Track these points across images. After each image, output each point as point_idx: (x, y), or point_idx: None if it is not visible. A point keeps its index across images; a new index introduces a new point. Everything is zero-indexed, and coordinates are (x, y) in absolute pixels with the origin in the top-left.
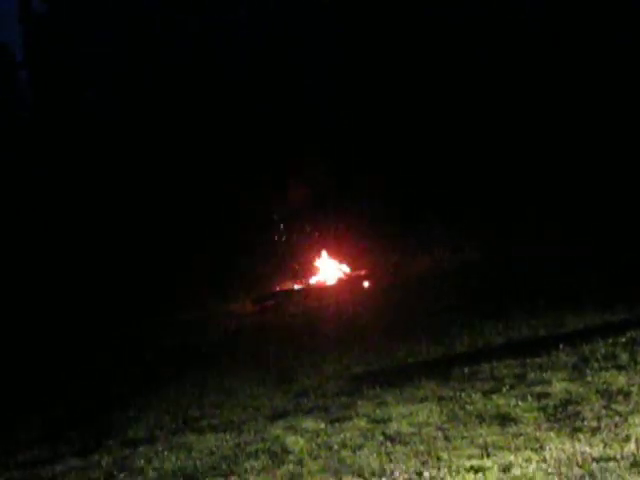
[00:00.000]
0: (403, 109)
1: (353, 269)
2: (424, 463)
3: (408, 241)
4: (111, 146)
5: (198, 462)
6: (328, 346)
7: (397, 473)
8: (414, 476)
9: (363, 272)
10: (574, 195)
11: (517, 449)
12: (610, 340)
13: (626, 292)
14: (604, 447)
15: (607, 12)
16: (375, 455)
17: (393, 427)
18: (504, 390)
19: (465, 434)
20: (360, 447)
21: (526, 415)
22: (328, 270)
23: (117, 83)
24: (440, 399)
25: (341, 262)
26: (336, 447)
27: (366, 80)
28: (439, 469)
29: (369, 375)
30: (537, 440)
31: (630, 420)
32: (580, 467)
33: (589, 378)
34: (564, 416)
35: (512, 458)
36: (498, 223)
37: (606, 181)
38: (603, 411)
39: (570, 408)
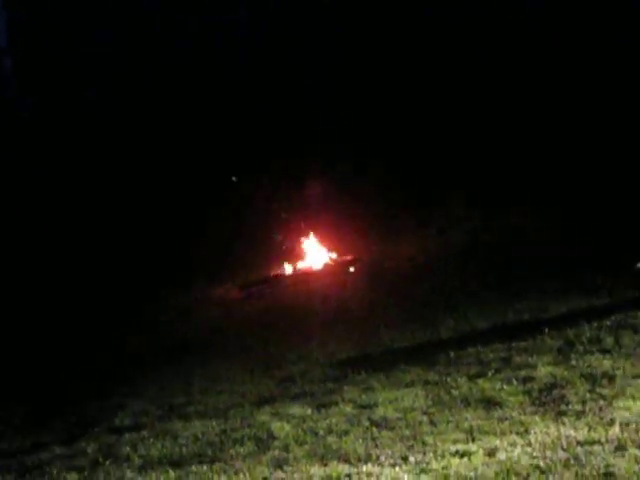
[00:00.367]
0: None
1: (340, 254)
2: (410, 448)
3: (398, 226)
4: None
5: (184, 449)
6: (314, 332)
7: (383, 458)
8: (400, 461)
9: (349, 257)
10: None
11: (502, 433)
12: (595, 324)
13: (611, 276)
14: (589, 431)
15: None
16: (361, 440)
17: (379, 412)
18: (489, 374)
19: (450, 418)
20: (346, 432)
21: (511, 399)
22: (315, 255)
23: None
24: (426, 384)
25: (328, 247)
26: (322, 433)
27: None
28: (424, 454)
29: (355, 360)
30: (522, 424)
31: (615, 404)
32: (565, 451)
33: (574, 362)
34: (549, 400)
35: (497, 442)
36: (489, 207)
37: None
38: (588, 395)
39: (555, 392)
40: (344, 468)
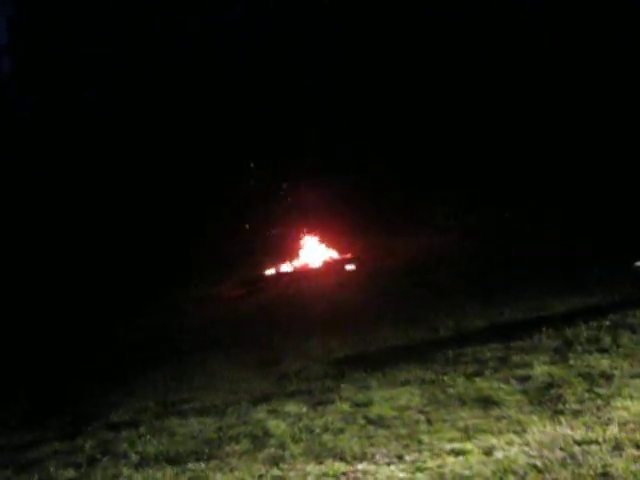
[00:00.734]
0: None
1: (339, 252)
2: (405, 446)
3: (398, 226)
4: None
5: (180, 446)
6: (312, 330)
7: (378, 456)
8: (395, 459)
9: (348, 256)
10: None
11: (499, 432)
12: (593, 323)
13: (610, 275)
14: (586, 430)
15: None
16: (357, 439)
17: (375, 411)
18: (487, 373)
19: (447, 417)
20: (342, 431)
21: (508, 398)
22: (313, 253)
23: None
24: (422, 382)
25: (327, 245)
26: (318, 431)
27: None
28: (420, 452)
29: (352, 359)
30: (519, 423)
31: (612, 403)
32: (562, 450)
33: (572, 361)
34: (546, 399)
35: (494, 441)
36: (489, 207)
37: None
38: (585, 394)
39: (552, 391)
40: (340, 466)
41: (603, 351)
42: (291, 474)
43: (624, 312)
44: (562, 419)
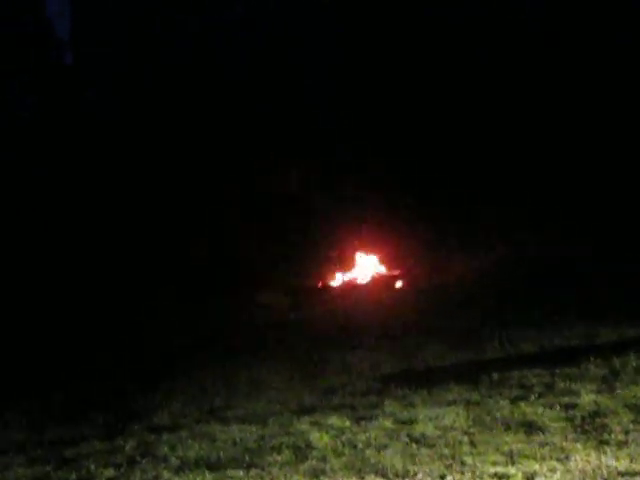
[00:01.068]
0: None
1: (388, 268)
2: (448, 467)
3: (445, 241)
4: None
5: (221, 452)
6: (359, 344)
7: (420, 475)
8: (437, 479)
9: (397, 271)
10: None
11: (542, 458)
12: None
13: None
14: (630, 461)
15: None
16: (399, 456)
17: (419, 429)
18: (532, 398)
19: (491, 440)
20: (385, 447)
21: (553, 424)
22: (363, 268)
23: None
24: (467, 403)
25: (377, 260)
26: (360, 446)
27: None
28: (463, 473)
29: (398, 375)
30: (563, 450)
31: None
32: None
33: (619, 391)
34: (591, 428)
35: (537, 467)
36: (541, 227)
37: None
38: (631, 425)
39: (598, 420)
40: None
41: None
42: None
43: None
44: (607, 449)
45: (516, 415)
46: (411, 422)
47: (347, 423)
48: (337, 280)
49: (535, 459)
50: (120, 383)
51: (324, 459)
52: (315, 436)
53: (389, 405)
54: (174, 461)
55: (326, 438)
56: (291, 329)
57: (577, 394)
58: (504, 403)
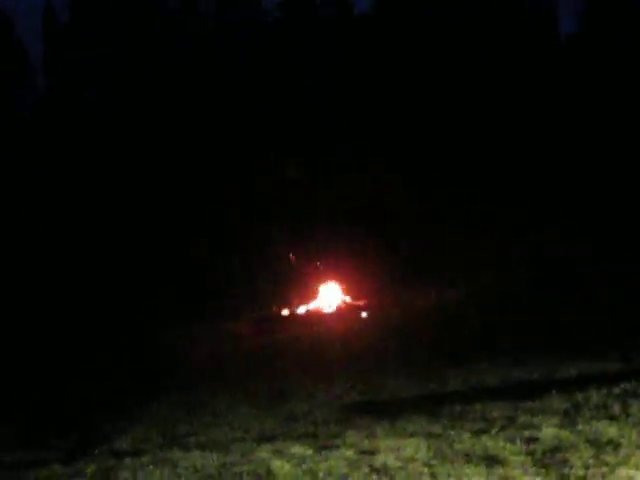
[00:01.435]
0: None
1: (353, 298)
2: None
3: (412, 275)
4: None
5: (182, 479)
6: (321, 373)
7: None
8: None
9: (362, 302)
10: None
11: None
12: (604, 390)
13: (622, 342)
14: None
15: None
16: None
17: (380, 459)
18: (493, 431)
19: (451, 472)
20: (345, 476)
21: (513, 458)
22: (328, 297)
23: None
24: (429, 435)
25: (342, 290)
26: (321, 475)
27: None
28: None
29: (360, 405)
30: None
31: (617, 472)
32: None
33: (580, 426)
34: (552, 462)
35: None
36: (506, 259)
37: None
38: (591, 460)
39: (558, 455)
40: None
41: (612, 418)
42: None
43: (637, 381)
44: None
45: (477, 448)
46: (372, 452)
47: (309, 452)
48: (302, 309)
49: None
50: (80, 407)
51: None
52: (276, 464)
53: (351, 435)
54: None
55: (287, 466)
56: (254, 356)
57: (538, 428)
58: (465, 436)
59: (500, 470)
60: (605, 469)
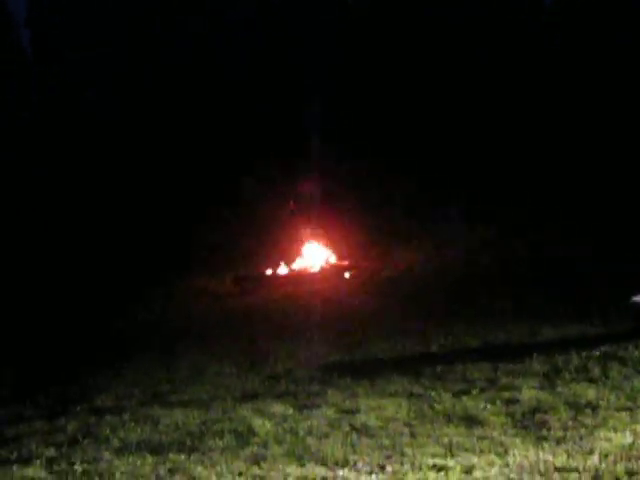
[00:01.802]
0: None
1: (338, 259)
2: (388, 457)
3: (399, 236)
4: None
5: (163, 436)
6: (304, 333)
7: (360, 465)
8: (377, 469)
9: (346, 262)
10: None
11: (481, 452)
12: (584, 353)
13: (606, 306)
14: (567, 458)
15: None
16: (340, 445)
17: (361, 419)
18: (474, 392)
19: (431, 432)
20: (326, 436)
21: (493, 419)
22: (313, 257)
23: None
24: (410, 395)
25: (327, 250)
26: (302, 433)
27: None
28: (402, 464)
29: (341, 365)
30: (502, 445)
31: (596, 433)
32: (542, 475)
33: (559, 388)
34: (531, 423)
35: (475, 460)
36: (493, 223)
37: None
38: (570, 422)
39: (538, 416)
40: (320, 471)
41: (591, 381)
42: (271, 474)
43: (616, 344)
44: (545, 445)
45: (457, 408)
46: (353, 412)
47: (289, 411)
48: (286, 268)
49: (474, 452)
50: (63, 365)
51: (265, 445)
52: (257, 422)
53: (332, 394)
54: (116, 443)
55: (268, 425)
56: (237, 315)
57: (519, 390)
58: (446, 396)
59: (480, 430)
60: (583, 431)
